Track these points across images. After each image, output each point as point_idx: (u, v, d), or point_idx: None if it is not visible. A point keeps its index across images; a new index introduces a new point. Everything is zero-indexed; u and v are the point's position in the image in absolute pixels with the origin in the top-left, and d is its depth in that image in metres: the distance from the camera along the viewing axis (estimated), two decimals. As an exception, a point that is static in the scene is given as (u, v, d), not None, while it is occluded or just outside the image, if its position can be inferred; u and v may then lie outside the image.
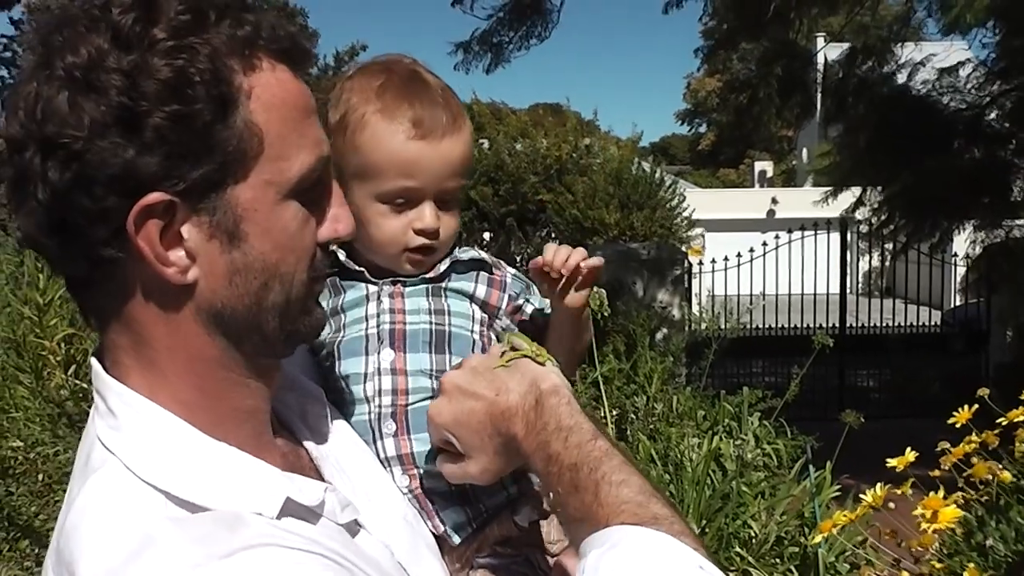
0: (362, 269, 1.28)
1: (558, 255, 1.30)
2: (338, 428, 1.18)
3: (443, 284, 1.29)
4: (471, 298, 1.30)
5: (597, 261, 1.32)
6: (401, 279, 1.28)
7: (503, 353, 1.14)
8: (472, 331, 1.28)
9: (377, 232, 1.25)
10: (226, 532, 0.86)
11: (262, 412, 1.03)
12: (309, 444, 1.12)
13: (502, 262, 1.36)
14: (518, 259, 12.17)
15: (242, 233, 0.93)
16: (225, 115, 0.90)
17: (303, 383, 1.17)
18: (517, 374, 1.11)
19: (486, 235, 13.47)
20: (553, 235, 12.12)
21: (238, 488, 0.93)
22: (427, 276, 1.28)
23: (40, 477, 3.47)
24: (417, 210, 1.25)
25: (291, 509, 0.95)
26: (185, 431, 0.95)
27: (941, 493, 1.88)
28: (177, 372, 0.95)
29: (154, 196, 0.87)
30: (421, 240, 1.25)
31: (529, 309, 1.34)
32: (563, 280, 1.29)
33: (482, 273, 1.31)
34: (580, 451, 1.01)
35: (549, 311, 1.35)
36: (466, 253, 1.32)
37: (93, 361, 1.00)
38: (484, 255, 1.34)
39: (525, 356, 1.13)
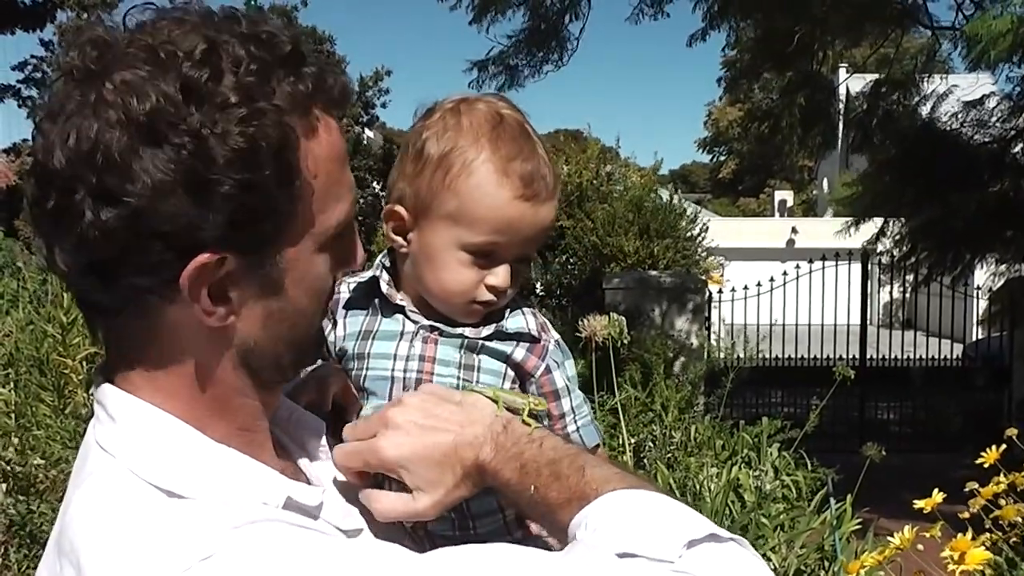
0: (403, 304, 1.25)
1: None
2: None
3: (480, 342, 1.25)
4: (507, 359, 1.26)
5: None
6: (439, 326, 1.24)
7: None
8: (501, 389, 1.23)
9: (450, 279, 1.21)
10: (231, 510, 0.87)
11: (263, 429, 1.04)
12: (306, 466, 1.12)
13: (548, 326, 1.32)
14: (537, 285, 12.17)
15: (284, 284, 0.95)
16: (290, 181, 0.90)
17: (301, 415, 1.17)
18: (475, 409, 1.10)
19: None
20: (572, 261, 12.10)
21: (240, 486, 0.94)
22: (467, 334, 1.24)
23: (62, 495, 3.48)
24: (495, 268, 1.21)
25: (292, 506, 0.96)
26: (186, 432, 0.95)
27: (970, 534, 1.86)
28: (192, 395, 0.96)
29: (208, 255, 0.88)
30: (489, 296, 1.22)
31: (566, 411, 1.31)
32: None
33: (522, 342, 1.27)
34: (556, 451, 1.03)
35: (583, 428, 1.32)
36: (514, 321, 1.27)
37: (95, 375, 1.01)
38: (531, 324, 1.28)
39: (530, 413, 1.12)
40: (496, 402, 1.11)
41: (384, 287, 1.25)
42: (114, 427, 0.95)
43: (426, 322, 1.24)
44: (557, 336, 1.31)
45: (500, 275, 1.22)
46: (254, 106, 0.87)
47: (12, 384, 4.26)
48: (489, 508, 1.21)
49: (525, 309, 1.29)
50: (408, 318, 1.25)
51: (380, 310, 1.26)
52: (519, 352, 1.26)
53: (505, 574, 0.85)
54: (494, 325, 1.26)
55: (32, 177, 0.90)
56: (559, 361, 1.29)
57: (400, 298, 1.26)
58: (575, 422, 1.32)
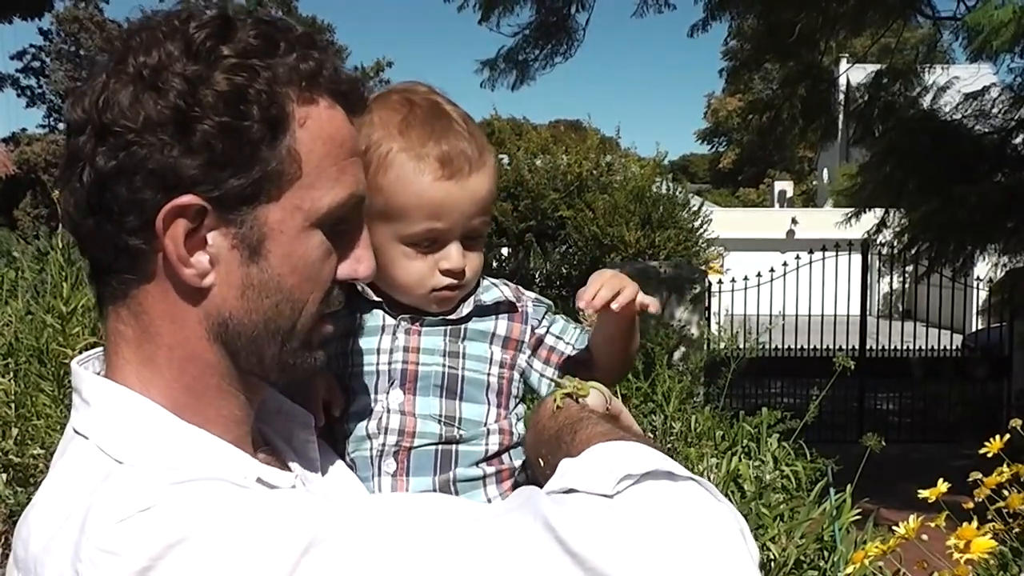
0: (380, 300, 1.26)
1: (587, 292, 1.22)
2: (326, 455, 1.18)
3: (463, 325, 1.26)
4: (491, 338, 1.26)
5: (629, 297, 1.23)
6: (420, 317, 1.25)
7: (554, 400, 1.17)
8: (488, 374, 1.26)
9: (403, 274, 1.22)
10: (173, 470, 0.86)
11: (244, 423, 1.05)
12: (293, 464, 1.12)
13: (521, 289, 1.33)
14: (536, 275, 12.17)
15: (264, 251, 0.96)
16: (272, 136, 0.94)
17: (290, 408, 1.17)
18: None
19: (504, 250, 13.47)
20: (572, 250, 12.10)
21: (206, 461, 0.94)
22: (448, 318, 1.25)
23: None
24: (444, 251, 1.21)
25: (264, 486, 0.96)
26: (161, 415, 0.96)
27: (975, 523, 1.86)
28: (172, 371, 0.98)
29: (187, 198, 0.92)
30: (448, 280, 1.22)
31: (553, 342, 1.31)
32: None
33: (502, 313, 1.28)
34: (565, 420, 1.10)
35: (578, 341, 1.32)
36: (489, 293, 1.28)
37: (72, 364, 1.03)
38: (506, 292, 1.30)
39: (567, 394, 1.15)
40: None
41: (360, 285, 1.25)
42: (88, 411, 0.97)
43: (405, 315, 1.25)
44: (533, 295, 1.33)
45: (452, 257, 1.22)
46: (247, 62, 0.93)
47: (12, 374, 4.26)
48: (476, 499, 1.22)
49: (495, 281, 1.31)
50: (387, 313, 1.26)
51: (358, 308, 1.27)
52: (502, 326, 1.27)
53: (431, 518, 0.89)
54: (472, 300, 1.26)
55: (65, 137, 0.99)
56: (539, 318, 1.31)
57: (374, 296, 1.27)
58: (568, 344, 1.33)
